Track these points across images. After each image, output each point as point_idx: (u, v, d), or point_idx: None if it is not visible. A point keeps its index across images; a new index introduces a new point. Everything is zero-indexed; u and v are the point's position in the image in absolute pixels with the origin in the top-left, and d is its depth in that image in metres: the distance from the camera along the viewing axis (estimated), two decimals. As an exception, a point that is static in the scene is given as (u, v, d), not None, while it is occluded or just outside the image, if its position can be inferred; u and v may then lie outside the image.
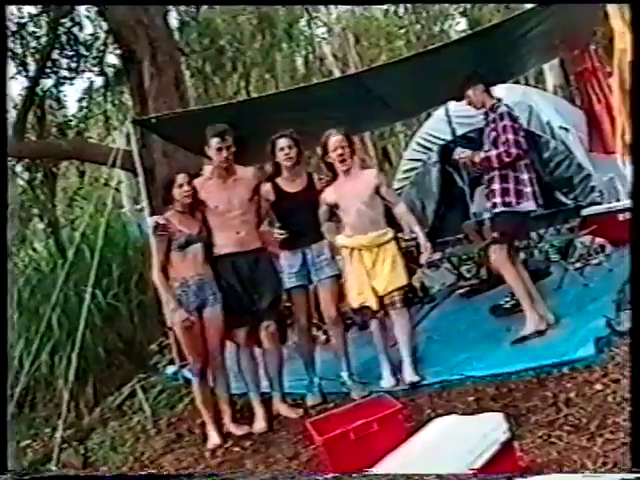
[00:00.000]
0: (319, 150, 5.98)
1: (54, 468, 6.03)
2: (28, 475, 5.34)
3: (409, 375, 5.78)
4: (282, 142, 5.90)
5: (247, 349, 6.00)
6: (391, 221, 6.09)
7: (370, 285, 5.78)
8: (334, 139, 5.72)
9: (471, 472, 3.34)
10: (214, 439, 5.78)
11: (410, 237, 7.37)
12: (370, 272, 5.76)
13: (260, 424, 5.84)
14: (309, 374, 6.18)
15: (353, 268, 5.86)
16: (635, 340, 3.58)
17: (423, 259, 5.93)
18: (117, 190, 11.78)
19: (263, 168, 6.43)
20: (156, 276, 5.65)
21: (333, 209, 5.92)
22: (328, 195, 5.89)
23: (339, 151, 5.71)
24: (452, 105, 9.54)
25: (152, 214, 6.64)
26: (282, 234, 5.83)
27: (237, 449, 5.69)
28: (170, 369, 7.37)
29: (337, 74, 16.15)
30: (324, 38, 19.50)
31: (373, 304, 5.80)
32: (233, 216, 5.87)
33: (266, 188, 6.00)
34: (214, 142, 5.78)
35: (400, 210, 5.95)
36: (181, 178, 5.78)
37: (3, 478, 4.25)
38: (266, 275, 5.92)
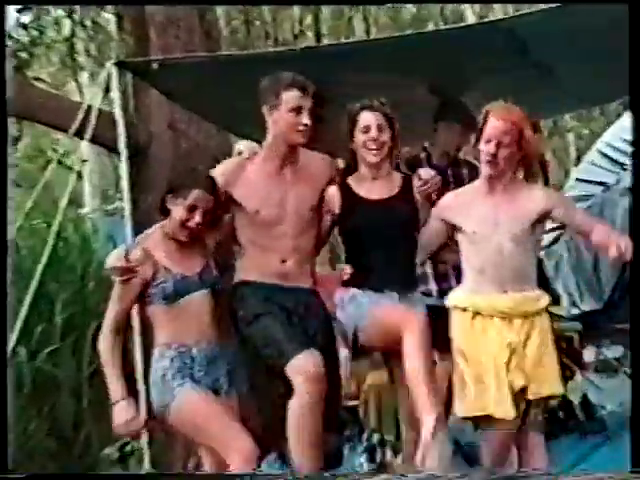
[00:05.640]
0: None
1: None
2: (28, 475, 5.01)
3: None
4: (367, 118, 4.41)
5: None
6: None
7: (507, 380, 4.13)
8: (492, 125, 4.05)
9: None
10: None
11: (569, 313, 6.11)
12: (512, 358, 4.12)
13: None
14: None
15: (476, 349, 4.19)
16: (635, 339, 3.52)
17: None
18: (79, 176, 9.29)
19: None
20: (103, 342, 4.23)
21: (452, 232, 4.36)
22: (449, 205, 4.38)
23: (493, 141, 4.09)
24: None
25: (137, 222, 5.24)
26: (348, 273, 4.49)
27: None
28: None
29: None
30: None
31: (509, 411, 4.10)
32: (282, 231, 4.40)
33: (331, 192, 4.54)
34: (291, 97, 4.26)
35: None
36: (194, 198, 4.21)
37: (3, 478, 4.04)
38: (314, 330, 4.38)
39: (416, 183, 4.47)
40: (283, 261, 4.37)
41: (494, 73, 5.46)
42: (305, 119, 4.24)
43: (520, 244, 4.15)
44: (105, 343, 4.13)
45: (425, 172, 4.58)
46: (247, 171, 4.43)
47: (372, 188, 4.48)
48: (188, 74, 5.56)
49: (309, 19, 13.03)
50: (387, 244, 4.42)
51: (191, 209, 4.05)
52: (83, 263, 7.68)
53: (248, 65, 5.39)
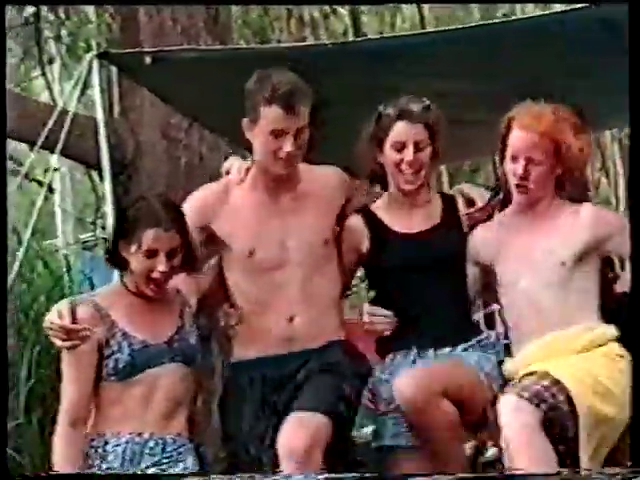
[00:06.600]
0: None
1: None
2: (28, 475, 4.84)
3: None
4: (404, 131, 3.58)
5: None
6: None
7: None
8: (517, 137, 3.44)
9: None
10: None
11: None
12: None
13: None
14: None
15: None
16: (635, 337, 3.09)
17: None
18: (50, 191, 7.78)
19: (353, 172, 3.99)
20: (58, 441, 3.26)
21: (489, 274, 3.63)
22: (482, 240, 3.66)
23: (521, 159, 3.43)
24: None
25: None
26: (390, 322, 3.55)
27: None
28: None
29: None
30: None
31: None
32: (286, 277, 3.55)
33: (354, 223, 3.71)
34: (271, 117, 3.45)
35: None
36: (151, 239, 3.31)
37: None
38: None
39: (464, 209, 3.76)
40: (290, 319, 3.56)
41: (591, 73, 4.54)
42: (287, 146, 3.43)
43: (562, 289, 3.46)
44: (60, 443, 3.20)
45: (479, 195, 3.85)
46: (233, 198, 3.67)
47: (408, 219, 3.75)
48: (188, 70, 4.83)
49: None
50: (434, 287, 3.65)
51: (150, 255, 3.23)
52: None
53: (263, 61, 4.34)
